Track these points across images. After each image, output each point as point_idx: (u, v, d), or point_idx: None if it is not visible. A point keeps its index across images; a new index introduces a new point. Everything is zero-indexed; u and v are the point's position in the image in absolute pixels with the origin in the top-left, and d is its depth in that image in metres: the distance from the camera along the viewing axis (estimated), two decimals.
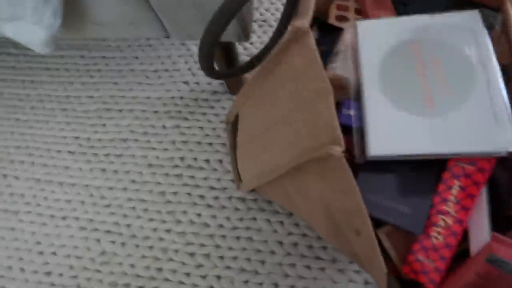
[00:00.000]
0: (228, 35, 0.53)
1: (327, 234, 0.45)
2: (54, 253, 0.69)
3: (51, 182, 0.75)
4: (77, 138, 0.78)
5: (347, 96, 0.40)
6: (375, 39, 0.39)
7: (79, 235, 0.70)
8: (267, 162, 0.48)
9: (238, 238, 0.66)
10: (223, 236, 0.66)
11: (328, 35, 0.48)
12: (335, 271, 0.62)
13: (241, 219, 0.67)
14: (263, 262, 0.64)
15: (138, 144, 0.76)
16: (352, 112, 0.40)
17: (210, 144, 0.73)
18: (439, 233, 0.36)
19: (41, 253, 0.69)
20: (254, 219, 0.67)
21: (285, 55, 0.41)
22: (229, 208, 0.68)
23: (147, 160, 0.74)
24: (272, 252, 0.64)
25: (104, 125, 0.78)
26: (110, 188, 0.73)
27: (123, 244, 0.68)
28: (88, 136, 0.78)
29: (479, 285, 0.32)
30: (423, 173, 0.37)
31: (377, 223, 0.44)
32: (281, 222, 0.66)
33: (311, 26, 0.53)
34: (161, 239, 0.68)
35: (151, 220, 0.69)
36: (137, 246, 0.68)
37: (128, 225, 0.70)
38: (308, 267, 0.63)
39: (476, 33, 0.34)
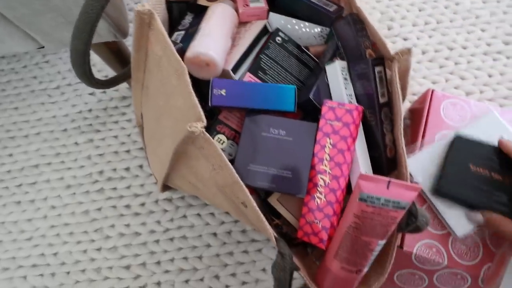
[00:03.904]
0: (102, 36, 0.51)
1: (233, 212, 0.45)
2: None
3: None
4: None
5: (215, 73, 0.39)
6: None
7: (2, 277, 0.64)
8: (164, 155, 0.47)
9: (171, 239, 0.64)
10: (156, 241, 0.64)
11: (201, 15, 0.48)
12: (271, 249, 0.62)
13: (171, 220, 0.65)
14: (200, 258, 0.62)
15: (52, 167, 0.71)
16: (224, 92, 0.39)
17: (128, 151, 0.70)
18: (321, 192, 0.36)
19: None
20: (185, 216, 0.65)
21: (146, 44, 0.40)
22: (157, 211, 0.66)
23: (64, 181, 0.70)
24: (208, 245, 0.63)
25: (10, 155, 0.73)
26: (29, 220, 0.68)
27: (52, 274, 0.64)
28: None
29: (359, 226, 0.33)
30: (301, 137, 0.38)
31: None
32: (212, 214, 0.65)
33: (186, 10, 0.52)
34: (92, 259, 0.64)
35: (78, 242, 0.65)
36: (68, 273, 0.64)
37: (55, 254, 0.65)
38: (246, 252, 0.62)
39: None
